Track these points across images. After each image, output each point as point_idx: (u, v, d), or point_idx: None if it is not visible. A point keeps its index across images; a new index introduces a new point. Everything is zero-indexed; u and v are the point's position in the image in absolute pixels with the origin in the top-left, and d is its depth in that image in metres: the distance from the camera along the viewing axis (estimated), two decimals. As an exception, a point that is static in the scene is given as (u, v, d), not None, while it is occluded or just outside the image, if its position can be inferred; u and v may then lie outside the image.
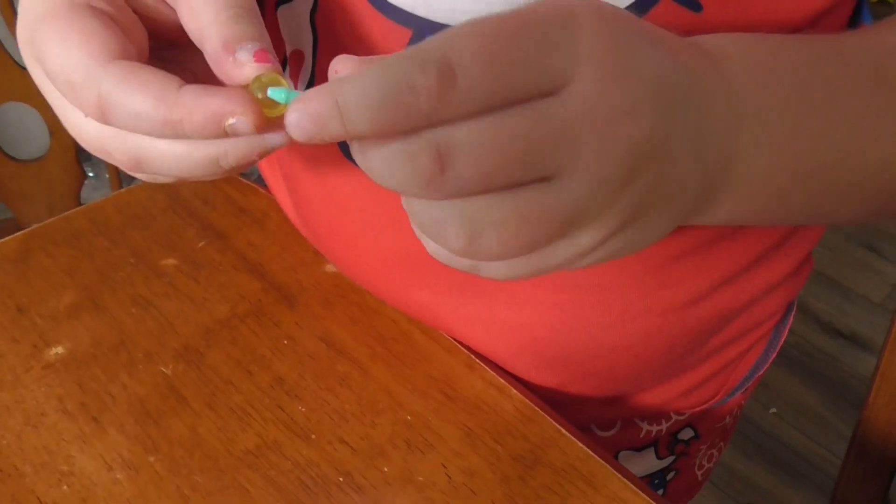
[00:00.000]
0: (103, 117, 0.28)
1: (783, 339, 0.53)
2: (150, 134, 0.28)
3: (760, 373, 0.54)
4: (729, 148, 0.29)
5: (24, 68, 0.95)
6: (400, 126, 0.24)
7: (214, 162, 0.29)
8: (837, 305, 1.59)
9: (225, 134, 0.27)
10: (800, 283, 0.50)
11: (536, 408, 0.41)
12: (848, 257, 1.69)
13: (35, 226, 0.51)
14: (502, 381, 0.42)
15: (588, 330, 0.43)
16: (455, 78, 0.23)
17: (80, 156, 1.03)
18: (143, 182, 0.53)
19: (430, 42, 0.24)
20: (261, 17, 0.30)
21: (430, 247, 0.28)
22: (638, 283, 0.41)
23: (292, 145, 0.30)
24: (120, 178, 1.07)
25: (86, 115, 0.29)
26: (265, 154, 0.29)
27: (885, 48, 0.33)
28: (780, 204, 0.32)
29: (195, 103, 0.27)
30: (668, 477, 0.56)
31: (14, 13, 0.89)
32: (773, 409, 1.40)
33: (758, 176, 0.30)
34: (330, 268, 0.48)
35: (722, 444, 0.59)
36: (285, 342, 0.44)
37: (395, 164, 0.24)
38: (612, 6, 0.27)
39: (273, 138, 0.28)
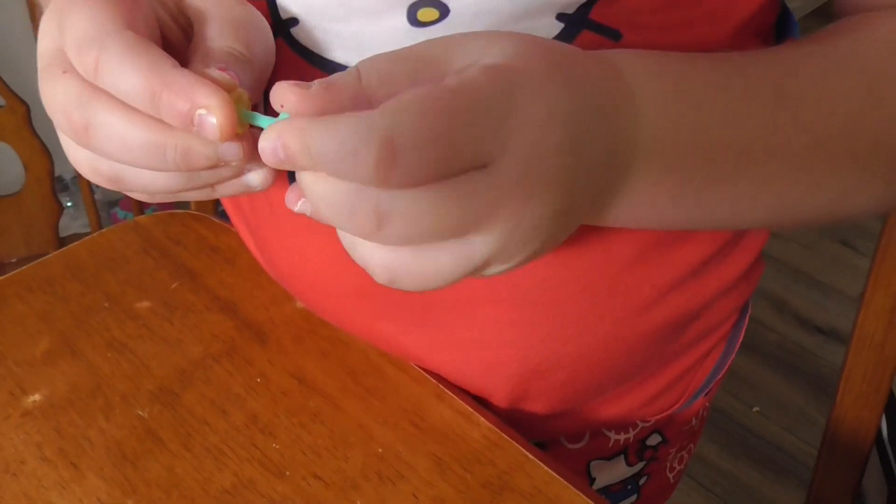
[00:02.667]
0: (95, 72, 0.29)
1: (740, 341, 0.55)
2: (126, 96, 0.29)
3: (720, 375, 0.55)
4: (627, 143, 0.32)
5: (-3, 106, 0.96)
6: (346, 178, 0.26)
7: (160, 150, 0.29)
8: (815, 301, 1.62)
9: (189, 123, 0.28)
10: (752, 285, 0.52)
11: (503, 433, 0.43)
12: (823, 253, 1.72)
13: (10, 273, 0.52)
14: (470, 409, 0.44)
15: (547, 343, 0.44)
16: (395, 157, 0.25)
17: (57, 186, 1.04)
18: (117, 225, 0.54)
19: (378, 115, 0.25)
20: (255, 70, 0.32)
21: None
22: (588, 294, 0.43)
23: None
24: (97, 207, 1.08)
25: (78, 69, 0.30)
26: (211, 164, 0.29)
27: (789, 66, 0.35)
28: (674, 206, 0.35)
29: (179, 81, 0.28)
30: (641, 482, 0.58)
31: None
32: (756, 408, 1.43)
33: (657, 160, 0.33)
34: (300, 304, 0.50)
35: (691, 445, 0.61)
36: (258, 380, 0.45)
37: (337, 211, 0.27)
38: (548, 67, 0.29)
39: (228, 149, 0.29)
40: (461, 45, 0.29)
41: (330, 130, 0.25)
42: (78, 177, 1.03)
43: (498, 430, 0.43)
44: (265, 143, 0.26)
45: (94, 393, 0.45)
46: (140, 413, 0.44)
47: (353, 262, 0.43)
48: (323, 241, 0.43)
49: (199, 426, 0.43)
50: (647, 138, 0.32)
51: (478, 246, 0.28)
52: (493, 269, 0.30)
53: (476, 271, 0.29)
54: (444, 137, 0.26)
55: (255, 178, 0.31)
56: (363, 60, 0.28)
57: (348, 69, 0.28)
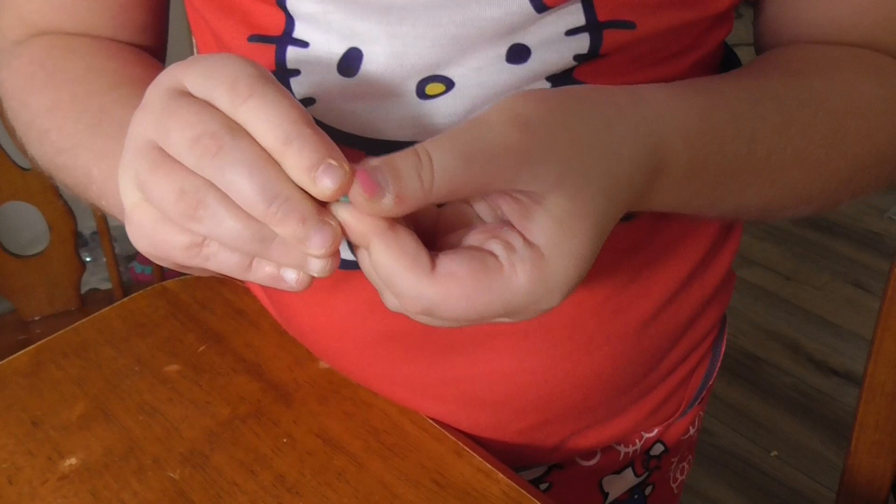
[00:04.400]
0: (246, 98, 0.30)
1: (723, 353, 0.60)
2: (264, 130, 0.30)
3: (710, 384, 0.60)
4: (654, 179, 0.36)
5: (24, 169, 1.00)
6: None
7: (273, 195, 0.30)
8: (830, 344, 1.62)
9: (312, 169, 0.30)
10: (727, 297, 0.57)
11: (522, 489, 0.44)
12: (836, 295, 1.73)
13: (45, 339, 0.54)
14: (489, 465, 0.45)
15: (562, 365, 0.48)
16: (432, 318, 0.32)
17: (78, 241, 1.07)
18: (145, 290, 0.57)
19: (431, 288, 0.31)
20: None
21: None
22: (596, 315, 0.47)
23: None
24: (117, 262, 1.10)
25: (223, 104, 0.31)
26: (298, 234, 0.31)
27: (785, 100, 0.40)
28: (688, 205, 0.40)
29: (318, 134, 0.30)
30: (647, 491, 0.62)
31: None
32: (775, 453, 1.42)
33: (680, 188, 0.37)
34: (323, 364, 0.52)
35: (690, 456, 0.65)
36: (285, 440, 0.47)
37: (388, 292, 0.33)
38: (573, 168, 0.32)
39: (318, 235, 0.31)
40: (524, 170, 0.31)
41: (393, 273, 0.31)
42: (98, 232, 1.05)
43: (517, 486, 0.44)
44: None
45: (127, 456, 0.46)
46: (171, 475, 0.45)
47: (379, 307, 0.45)
48: (349, 291, 0.45)
49: (229, 487, 0.44)
50: (673, 174, 0.36)
51: (503, 319, 0.33)
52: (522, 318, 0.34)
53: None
54: (476, 315, 0.32)
55: (292, 276, 0.33)
56: (436, 154, 0.30)
57: (418, 166, 0.30)
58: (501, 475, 0.45)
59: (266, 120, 0.30)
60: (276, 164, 0.30)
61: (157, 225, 0.33)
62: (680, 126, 0.36)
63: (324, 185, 0.30)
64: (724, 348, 0.60)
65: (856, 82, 0.42)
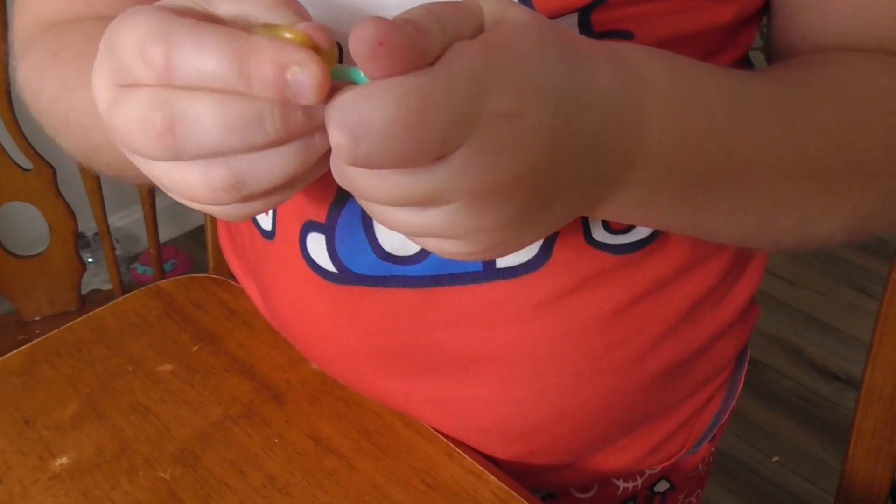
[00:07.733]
0: (167, 64, 0.27)
1: (741, 388, 0.56)
2: (208, 76, 0.27)
3: (723, 421, 0.57)
4: (631, 142, 0.32)
5: (25, 170, 1.00)
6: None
7: (258, 120, 0.28)
8: (832, 349, 1.61)
9: (284, 86, 0.27)
10: (747, 331, 0.53)
11: (512, 491, 0.44)
12: (839, 300, 1.72)
13: (39, 338, 0.54)
14: (480, 467, 0.45)
15: (548, 397, 0.46)
16: (358, 146, 0.26)
17: (78, 243, 1.07)
18: (140, 290, 0.57)
19: (361, 100, 0.26)
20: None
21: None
22: (584, 348, 0.45)
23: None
24: (118, 263, 1.11)
25: (145, 76, 0.28)
26: (310, 123, 0.28)
27: (786, 87, 0.38)
28: (672, 207, 0.35)
29: (266, 46, 0.27)
30: None
31: (13, 117, 0.94)
32: (776, 458, 1.41)
33: (660, 165, 0.33)
34: (315, 365, 0.52)
35: (699, 491, 0.62)
36: (276, 441, 0.47)
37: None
38: (551, 40, 0.29)
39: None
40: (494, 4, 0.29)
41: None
42: (99, 233, 1.06)
43: (507, 489, 0.44)
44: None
45: (118, 456, 0.46)
46: (162, 475, 0.45)
47: (360, 323, 0.45)
48: (330, 302, 0.45)
49: (219, 487, 0.44)
50: (655, 137, 0.32)
51: (431, 217, 0.29)
52: (454, 248, 0.30)
53: (433, 236, 0.30)
54: (409, 130, 0.26)
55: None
56: (432, 7, 0.28)
57: (424, 14, 0.27)
58: (492, 477, 0.45)
59: (205, 65, 0.27)
60: (232, 94, 0.28)
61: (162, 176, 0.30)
62: (662, 62, 0.33)
63: (304, 95, 0.27)
64: (741, 385, 0.56)
65: (870, 73, 0.40)
